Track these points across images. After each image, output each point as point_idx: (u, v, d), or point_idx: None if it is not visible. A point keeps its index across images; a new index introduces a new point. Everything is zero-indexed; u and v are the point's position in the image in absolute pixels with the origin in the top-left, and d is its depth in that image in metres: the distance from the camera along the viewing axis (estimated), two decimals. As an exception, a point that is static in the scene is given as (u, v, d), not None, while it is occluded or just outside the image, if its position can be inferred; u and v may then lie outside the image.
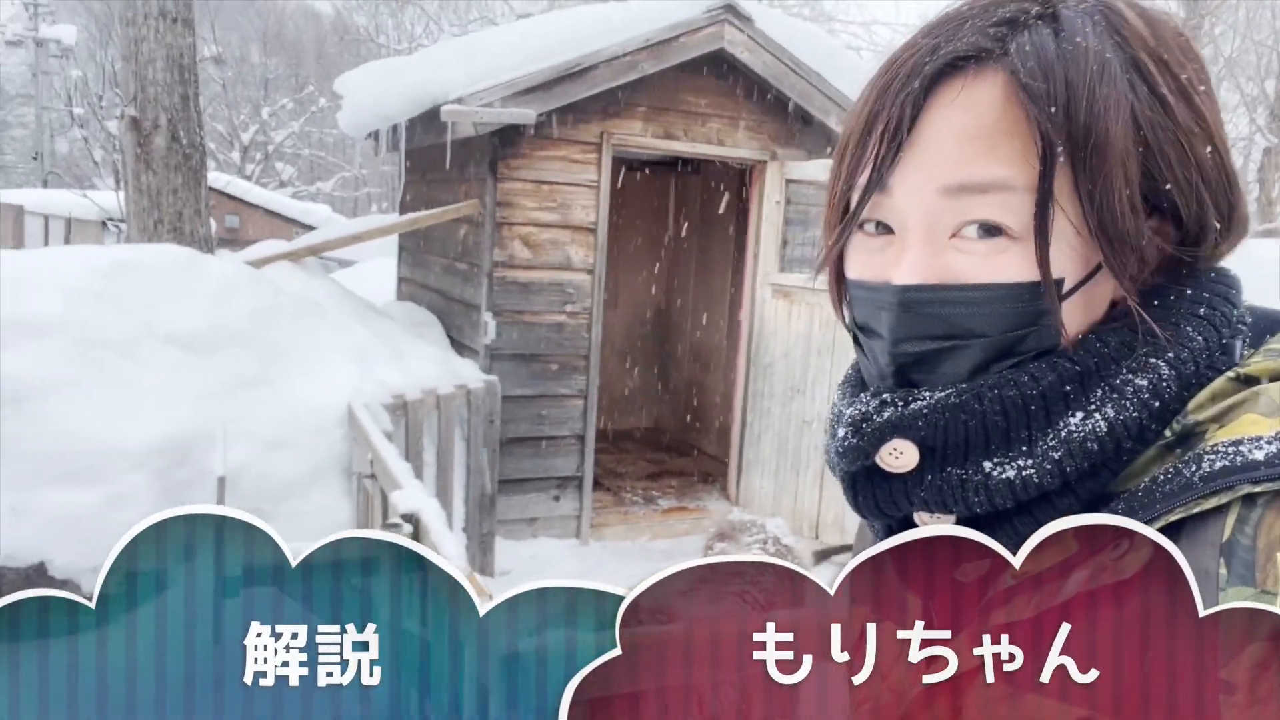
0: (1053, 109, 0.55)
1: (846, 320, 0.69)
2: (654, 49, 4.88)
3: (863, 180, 0.62)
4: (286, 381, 3.96)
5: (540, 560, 5.05)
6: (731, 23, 5.00)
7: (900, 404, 0.61)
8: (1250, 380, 0.58)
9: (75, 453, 3.37)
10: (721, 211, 7.05)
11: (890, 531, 0.65)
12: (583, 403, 5.30)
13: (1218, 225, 0.61)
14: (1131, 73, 0.57)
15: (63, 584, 3.34)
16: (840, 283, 0.69)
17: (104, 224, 15.83)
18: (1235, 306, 0.62)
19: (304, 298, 4.43)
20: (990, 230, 0.58)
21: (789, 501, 5.41)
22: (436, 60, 5.39)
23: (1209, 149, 0.60)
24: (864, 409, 0.62)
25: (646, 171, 7.51)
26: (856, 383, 0.69)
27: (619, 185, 6.76)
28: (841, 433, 0.63)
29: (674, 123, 5.24)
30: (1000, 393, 0.58)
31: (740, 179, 6.37)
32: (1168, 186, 0.58)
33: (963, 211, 0.58)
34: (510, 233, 4.98)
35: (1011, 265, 0.58)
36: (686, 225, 7.62)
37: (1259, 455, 0.51)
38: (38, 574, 3.31)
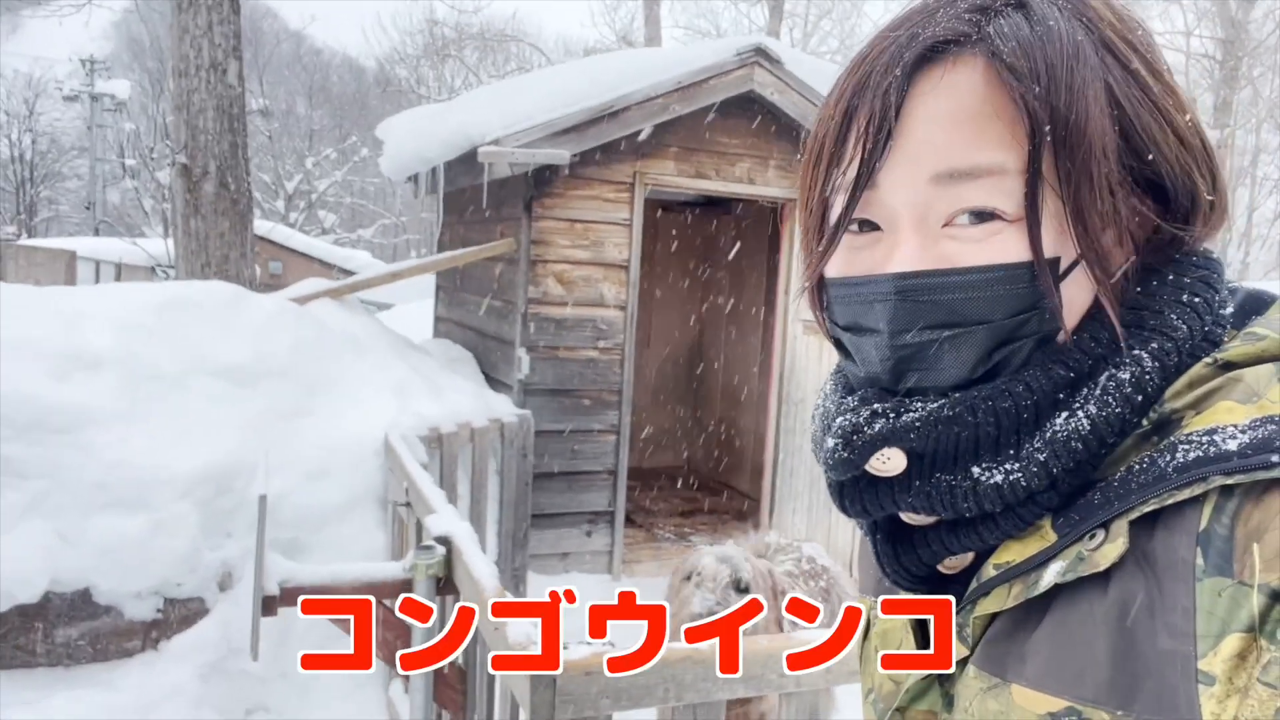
0: (1037, 88, 0.55)
1: (826, 325, 0.68)
2: (685, 91, 4.99)
3: (847, 179, 0.60)
4: (326, 413, 4.05)
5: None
6: (762, 65, 5.11)
7: (892, 415, 0.59)
8: (1228, 366, 0.56)
9: (123, 480, 3.46)
10: (753, 250, 7.12)
11: (875, 527, 0.66)
12: (615, 438, 5.34)
13: (1209, 198, 0.61)
14: (1103, 52, 0.58)
15: (106, 610, 3.43)
16: (819, 289, 0.67)
17: (153, 269, 16.29)
18: (1218, 291, 0.61)
19: (344, 333, 4.54)
20: (983, 216, 0.57)
21: (822, 538, 5.38)
22: (473, 104, 5.55)
23: (1187, 117, 0.60)
24: (855, 420, 0.60)
25: (679, 211, 7.62)
26: (847, 377, 0.68)
27: (653, 225, 6.86)
28: (831, 444, 0.61)
29: (705, 162, 5.34)
30: (995, 404, 0.57)
31: (771, 217, 6.44)
32: (1150, 157, 0.58)
33: (955, 199, 0.57)
34: (544, 270, 5.08)
35: (1007, 246, 0.57)
36: (718, 264, 7.70)
37: (1232, 445, 0.50)
38: (83, 599, 3.39)
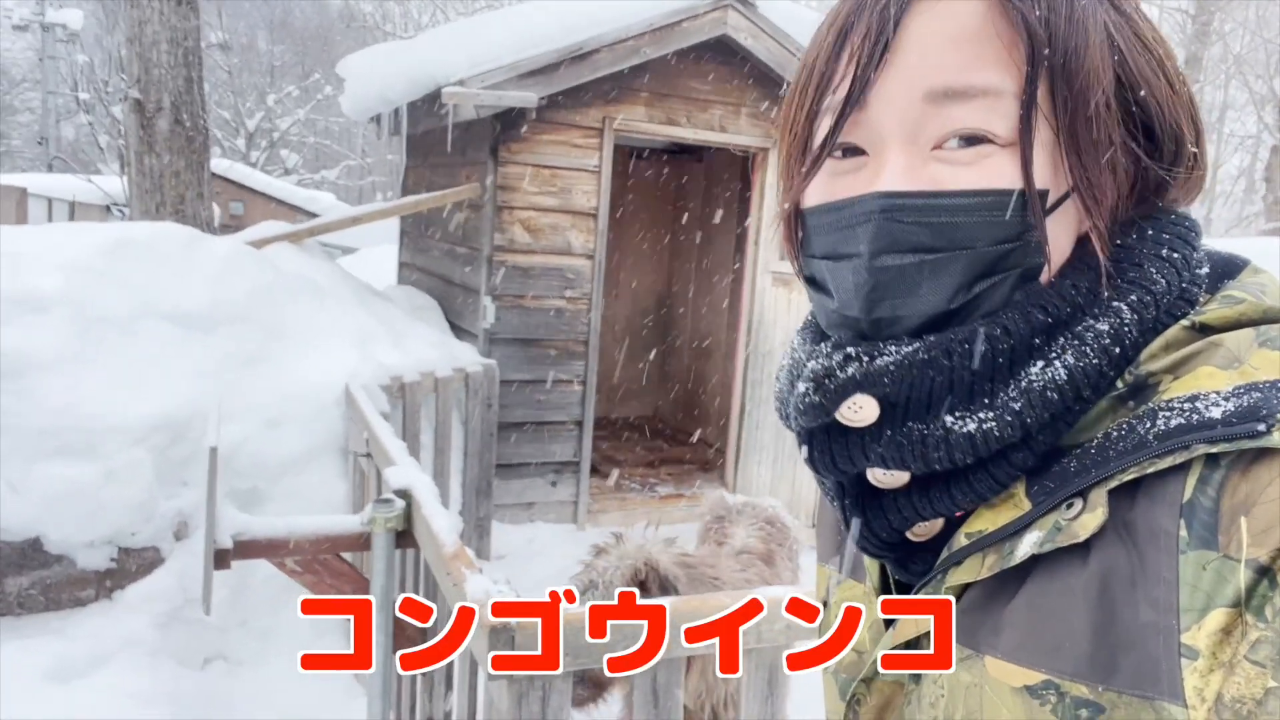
0: (1038, 10, 0.55)
1: (798, 264, 0.65)
2: (657, 33, 4.86)
3: (837, 98, 0.59)
4: (285, 361, 3.96)
5: (536, 545, 5.06)
6: (735, 8, 4.98)
7: (866, 359, 0.57)
8: (1205, 329, 0.55)
9: (74, 428, 3.37)
10: (723, 199, 7.04)
11: (842, 489, 0.63)
12: (581, 388, 5.30)
13: (1194, 148, 0.59)
14: None
15: (58, 559, 3.36)
16: (795, 223, 0.65)
17: (108, 208, 15.85)
18: (1195, 249, 0.60)
19: (303, 278, 4.43)
20: (973, 140, 0.56)
21: (787, 489, 5.41)
22: (439, 43, 5.38)
23: (1175, 63, 0.60)
24: (827, 364, 0.58)
25: (649, 158, 7.50)
26: (817, 329, 0.65)
27: (622, 172, 6.74)
28: (803, 388, 0.59)
29: (676, 108, 5.23)
30: (971, 347, 0.56)
31: (742, 166, 6.36)
32: (1142, 94, 0.57)
33: (947, 120, 0.56)
34: (511, 217, 4.98)
35: (997, 171, 0.55)
36: (688, 213, 7.61)
37: (1216, 413, 0.49)
38: (33, 548, 3.32)
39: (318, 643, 3.51)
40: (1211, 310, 0.56)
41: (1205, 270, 0.60)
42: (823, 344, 0.61)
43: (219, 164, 17.69)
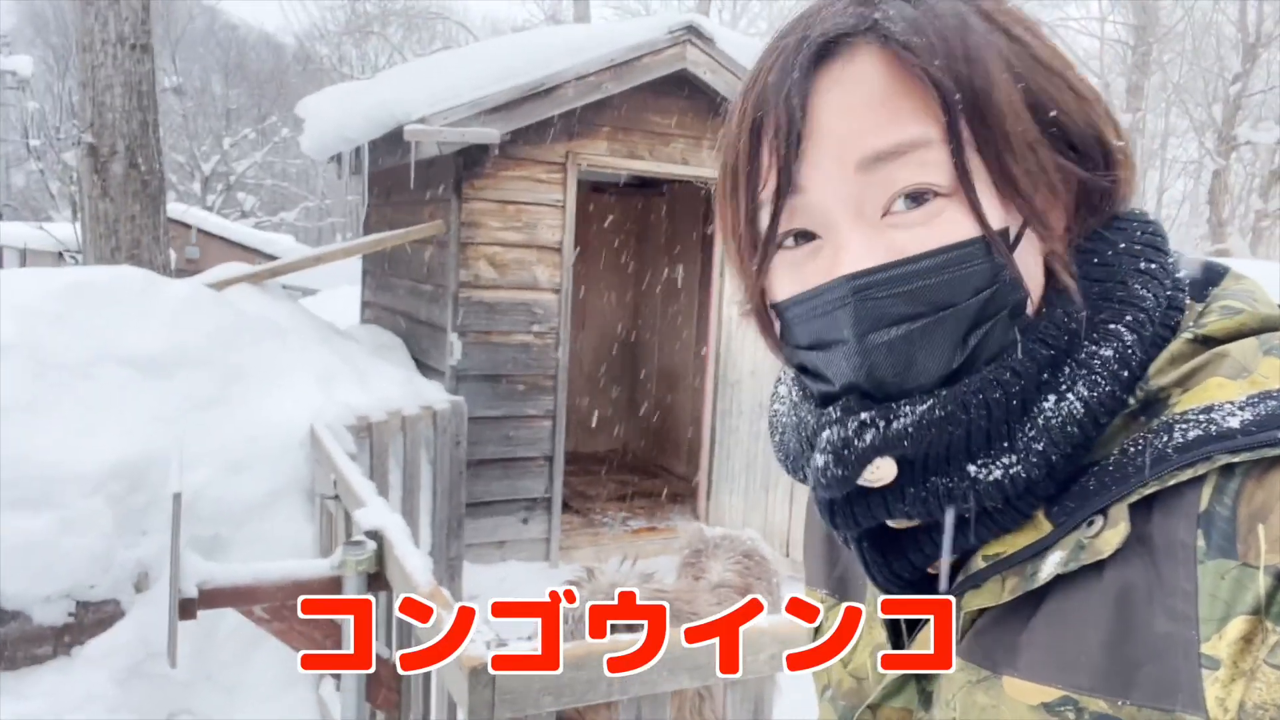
0: (937, 60, 0.54)
1: (783, 353, 0.64)
2: (617, 69, 4.91)
3: (770, 190, 0.58)
4: (247, 403, 3.88)
5: (509, 583, 4.98)
6: (694, 43, 5.05)
7: (882, 424, 0.56)
8: (1209, 341, 0.56)
9: (28, 477, 3.26)
10: (687, 231, 7.09)
11: (860, 537, 0.63)
12: (551, 423, 5.26)
13: (1119, 143, 0.60)
14: (986, 21, 0.58)
15: (13, 616, 3.23)
16: (767, 315, 0.64)
17: (60, 255, 15.57)
18: (1168, 255, 0.60)
19: (265, 319, 4.36)
20: (919, 197, 0.55)
21: (759, 518, 5.39)
22: (399, 81, 5.38)
23: (1073, 71, 0.60)
24: (843, 433, 0.57)
25: (613, 192, 7.54)
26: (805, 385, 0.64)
27: (586, 206, 6.77)
28: (822, 461, 0.58)
29: (638, 143, 5.27)
30: (986, 396, 0.55)
31: (706, 199, 6.41)
32: (1053, 114, 0.57)
33: (886, 183, 0.55)
34: (475, 253, 4.96)
35: (952, 224, 0.55)
36: (653, 246, 7.65)
37: (1233, 423, 0.49)
38: (-13, 605, 3.19)
39: (287, 694, 3.41)
40: (1212, 322, 0.56)
41: (1184, 274, 0.60)
42: (830, 408, 0.59)
43: (174, 208, 17.45)
